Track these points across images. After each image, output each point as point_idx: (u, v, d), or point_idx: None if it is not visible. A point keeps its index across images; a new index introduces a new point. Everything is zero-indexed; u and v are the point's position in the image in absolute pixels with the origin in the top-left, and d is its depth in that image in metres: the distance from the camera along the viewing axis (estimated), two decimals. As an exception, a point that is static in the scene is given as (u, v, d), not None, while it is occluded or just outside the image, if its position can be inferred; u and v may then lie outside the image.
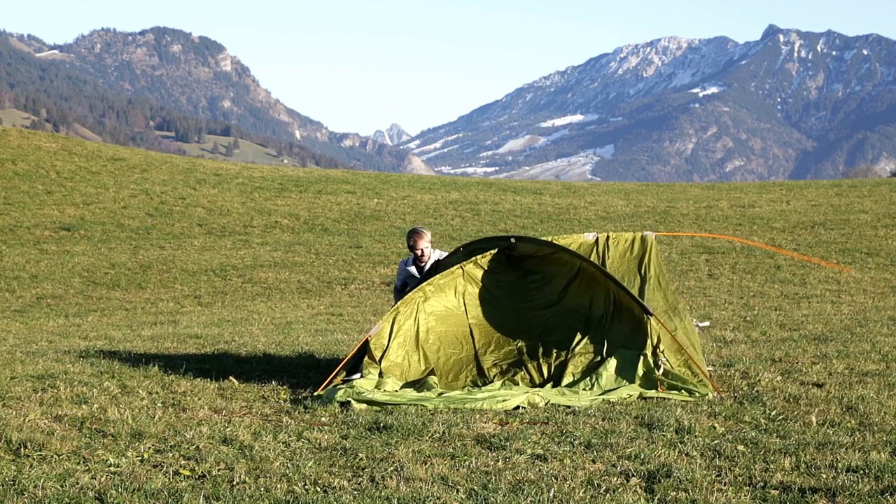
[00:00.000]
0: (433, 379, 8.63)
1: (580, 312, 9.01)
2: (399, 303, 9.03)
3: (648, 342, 8.59)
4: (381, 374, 8.64)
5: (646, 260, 9.47)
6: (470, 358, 9.00)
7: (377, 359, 8.73)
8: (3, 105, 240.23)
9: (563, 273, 9.19)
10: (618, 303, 8.88)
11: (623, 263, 9.44)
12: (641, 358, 8.54)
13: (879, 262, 21.01)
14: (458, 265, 9.25)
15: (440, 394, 8.19)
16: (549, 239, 9.33)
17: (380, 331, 8.86)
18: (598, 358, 8.73)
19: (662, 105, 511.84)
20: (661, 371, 8.43)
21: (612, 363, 8.61)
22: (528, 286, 9.30)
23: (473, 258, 9.31)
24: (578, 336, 8.90)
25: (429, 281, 9.13)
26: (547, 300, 9.20)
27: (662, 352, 8.53)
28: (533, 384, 8.69)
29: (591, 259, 9.28)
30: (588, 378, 8.52)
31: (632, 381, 8.40)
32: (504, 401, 7.86)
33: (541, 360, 8.89)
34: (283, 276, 22.74)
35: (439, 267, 9.60)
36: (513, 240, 9.33)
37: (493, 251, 9.36)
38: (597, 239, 9.60)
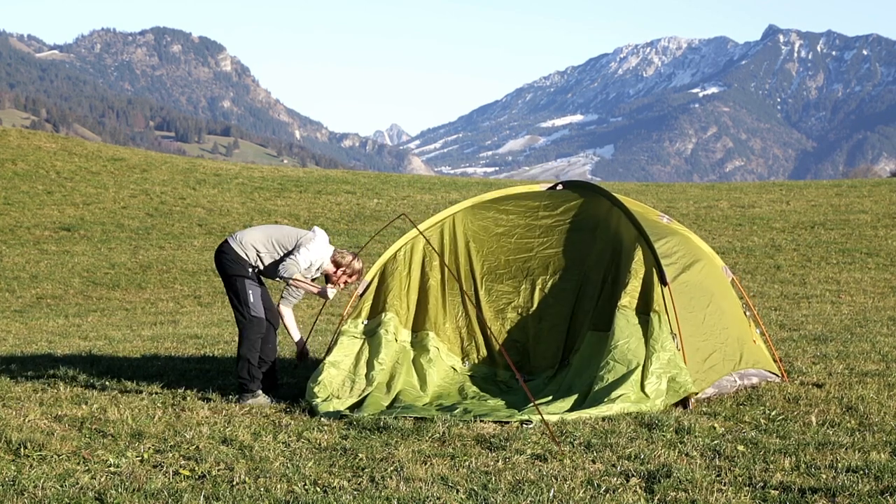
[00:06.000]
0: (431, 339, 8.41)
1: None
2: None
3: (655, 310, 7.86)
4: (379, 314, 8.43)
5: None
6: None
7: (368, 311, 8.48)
8: (3, 105, 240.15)
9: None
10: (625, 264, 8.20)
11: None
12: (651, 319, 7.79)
13: (879, 262, 21.01)
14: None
15: (439, 404, 7.88)
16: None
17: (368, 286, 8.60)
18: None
19: (662, 105, 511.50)
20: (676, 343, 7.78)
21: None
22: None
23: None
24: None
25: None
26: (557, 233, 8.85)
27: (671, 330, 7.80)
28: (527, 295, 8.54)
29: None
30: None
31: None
32: (510, 416, 7.31)
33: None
34: (283, 276, 22.72)
35: None
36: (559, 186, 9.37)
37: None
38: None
